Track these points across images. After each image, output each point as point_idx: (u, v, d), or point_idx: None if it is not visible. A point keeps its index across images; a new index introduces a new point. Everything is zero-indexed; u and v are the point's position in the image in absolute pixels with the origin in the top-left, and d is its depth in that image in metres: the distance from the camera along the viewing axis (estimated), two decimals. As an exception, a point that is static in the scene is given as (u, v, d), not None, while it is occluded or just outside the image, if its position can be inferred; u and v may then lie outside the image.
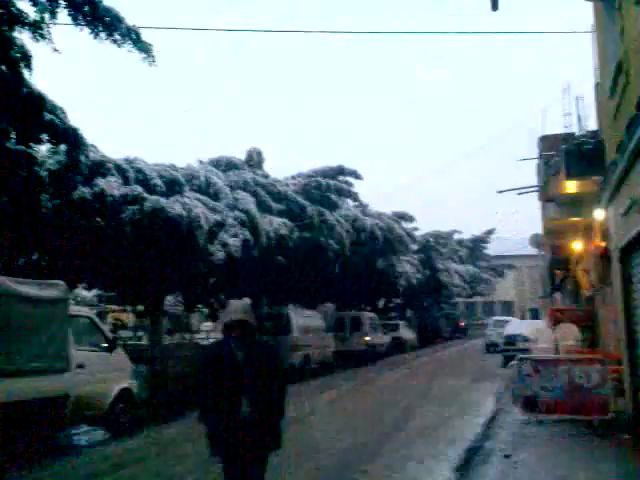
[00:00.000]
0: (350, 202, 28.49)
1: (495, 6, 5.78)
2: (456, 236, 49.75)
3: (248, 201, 19.29)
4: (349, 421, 11.26)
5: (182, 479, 7.23)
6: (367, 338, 26.02)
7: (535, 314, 51.66)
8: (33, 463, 8.26)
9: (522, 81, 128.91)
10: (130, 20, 10.76)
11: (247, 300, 4.83)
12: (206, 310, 36.68)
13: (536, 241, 28.40)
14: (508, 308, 60.74)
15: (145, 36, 10.88)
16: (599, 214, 11.32)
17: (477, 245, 52.63)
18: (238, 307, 4.53)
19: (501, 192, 22.83)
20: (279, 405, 4.61)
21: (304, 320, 21.09)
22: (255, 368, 4.33)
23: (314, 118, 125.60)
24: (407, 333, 35.20)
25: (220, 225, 17.49)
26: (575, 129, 17.45)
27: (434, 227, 43.78)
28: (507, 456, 7.95)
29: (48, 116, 11.20)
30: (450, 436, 9.35)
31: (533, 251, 36.91)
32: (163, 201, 15.26)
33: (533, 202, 25.16)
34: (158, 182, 16.21)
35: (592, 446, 8.44)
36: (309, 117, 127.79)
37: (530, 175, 25.20)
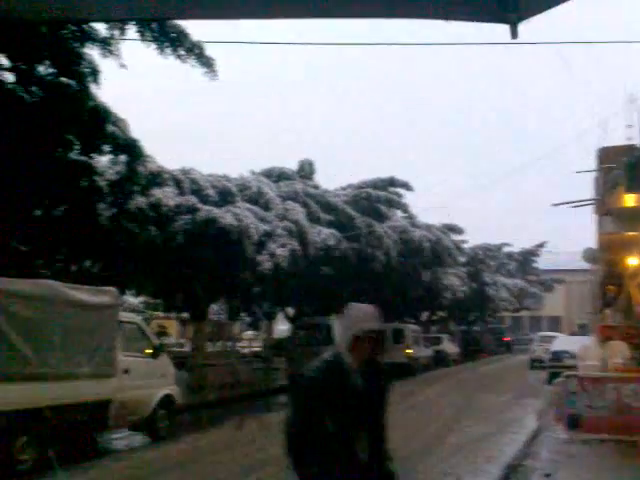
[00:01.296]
0: (399, 213, 28.54)
1: (514, 34, 5.79)
2: (506, 249, 49.08)
3: (298, 211, 19.59)
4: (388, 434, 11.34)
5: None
6: (409, 351, 25.93)
7: (584, 330, 50.42)
8: (76, 465, 8.47)
9: (581, 92, 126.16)
10: (195, 34, 11.17)
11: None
12: (248, 319, 37.28)
13: (589, 255, 27.76)
14: (556, 323, 59.36)
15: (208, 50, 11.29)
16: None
17: (527, 258, 51.73)
18: (369, 312, 3.13)
19: (556, 205, 22.47)
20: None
21: (349, 330, 21.17)
22: (377, 398, 3.18)
23: (364, 129, 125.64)
24: (450, 347, 34.84)
25: (269, 235, 17.84)
26: (637, 141, 17.07)
27: (484, 240, 43.40)
28: (547, 475, 7.90)
29: (111, 128, 11.71)
30: (490, 453, 9.34)
31: (584, 266, 36.07)
32: (215, 211, 15.70)
33: (586, 216, 24.62)
34: (211, 192, 16.70)
35: (637, 468, 8.33)
36: (360, 128, 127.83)
37: (584, 189, 24.70)
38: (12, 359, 7.88)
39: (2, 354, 7.77)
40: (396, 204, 27.38)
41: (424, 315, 38.77)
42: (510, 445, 10.06)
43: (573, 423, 10.11)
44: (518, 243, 51.96)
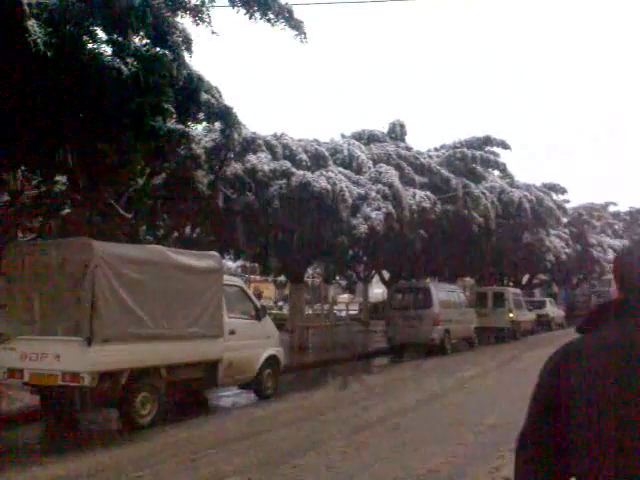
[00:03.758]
0: (497, 173, 27.47)
1: None
2: (611, 208, 46.54)
3: (391, 174, 19.22)
4: (493, 399, 11.04)
5: (327, 444, 7.47)
6: (511, 315, 25.20)
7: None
8: (189, 421, 8.94)
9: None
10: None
11: None
12: (344, 282, 37.47)
13: None
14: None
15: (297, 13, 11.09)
16: None
17: (636, 218, 48.84)
18: None
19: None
20: None
21: (445, 294, 20.83)
22: None
23: (460, 86, 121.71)
24: (554, 310, 33.65)
25: (363, 199, 17.65)
26: None
27: (589, 200, 41.30)
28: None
29: (205, 96, 11.83)
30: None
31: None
32: (309, 175, 15.66)
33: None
34: (304, 157, 16.65)
35: None
36: (456, 86, 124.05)
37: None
38: (129, 321, 8.32)
39: (120, 316, 8.21)
40: (493, 164, 26.26)
41: (525, 278, 37.51)
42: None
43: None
44: (627, 202, 49.20)
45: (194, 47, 11.22)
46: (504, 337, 24.61)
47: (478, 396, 11.45)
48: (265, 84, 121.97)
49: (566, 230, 35.52)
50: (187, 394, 10.14)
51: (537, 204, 27.56)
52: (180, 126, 12.22)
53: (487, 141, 25.98)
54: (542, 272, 37.92)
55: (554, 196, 32.35)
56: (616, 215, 47.27)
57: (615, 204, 47.08)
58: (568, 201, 35.93)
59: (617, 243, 42.79)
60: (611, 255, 41.02)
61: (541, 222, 28.89)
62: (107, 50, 11.03)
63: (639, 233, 48.51)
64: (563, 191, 33.67)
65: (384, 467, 6.53)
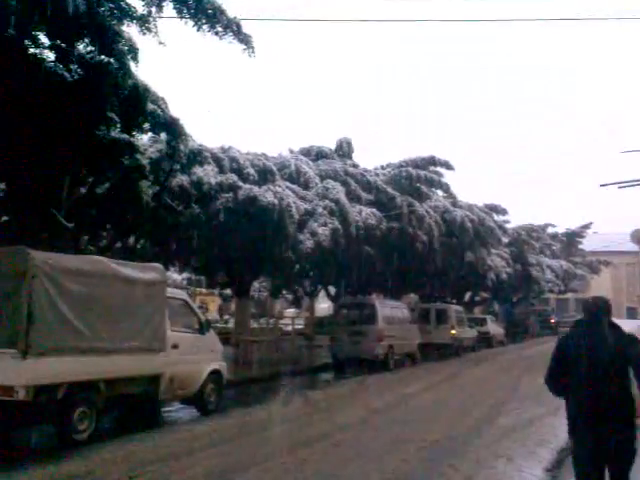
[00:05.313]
0: (440, 193, 28.03)
1: None
2: (550, 230, 48.09)
3: (338, 190, 19.39)
4: (435, 414, 11.17)
5: (269, 461, 7.38)
6: (453, 331, 25.62)
7: (632, 314, 49.13)
8: (128, 436, 8.70)
9: (632, 72, 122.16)
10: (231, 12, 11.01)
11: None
12: (290, 297, 37.40)
13: (638, 237, 26.95)
14: (603, 306, 57.93)
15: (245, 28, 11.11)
16: None
17: (572, 240, 50.61)
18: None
19: (604, 186, 21.75)
20: None
21: (390, 310, 21.02)
22: None
23: (406, 108, 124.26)
24: (494, 328, 34.39)
25: (310, 214, 17.72)
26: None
27: (529, 221, 42.58)
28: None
29: (151, 106, 11.70)
30: (541, 435, 9.06)
31: (632, 247, 35.09)
32: (256, 190, 15.63)
33: (637, 197, 23.82)
34: (251, 171, 16.62)
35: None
36: (401, 108, 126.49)
37: (633, 169, 23.90)
38: (67, 333, 8.07)
39: (58, 328, 7.95)
40: (437, 184, 26.80)
41: (467, 296, 38.29)
42: (561, 428, 9.69)
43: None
44: (564, 224, 50.96)
45: (141, 57, 11.10)
46: (446, 353, 24.98)
47: (421, 412, 11.55)
48: (216, 97, 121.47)
49: (506, 250, 36.51)
50: (127, 409, 9.87)
51: (479, 224, 28.25)
52: (125, 136, 12.04)
53: (432, 161, 26.51)
54: (483, 290, 38.79)
55: (495, 216, 33.23)
56: (554, 236, 48.83)
57: (553, 226, 48.69)
58: (508, 222, 36.99)
59: (555, 263, 44.24)
60: (549, 275, 42.38)
61: (482, 241, 29.60)
62: (50, 56, 10.82)
63: (575, 254, 50.31)
64: (504, 212, 34.66)
65: (326, 483, 6.49)
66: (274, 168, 17.98)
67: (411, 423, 10.20)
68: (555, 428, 9.70)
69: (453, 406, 12.25)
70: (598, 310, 4.63)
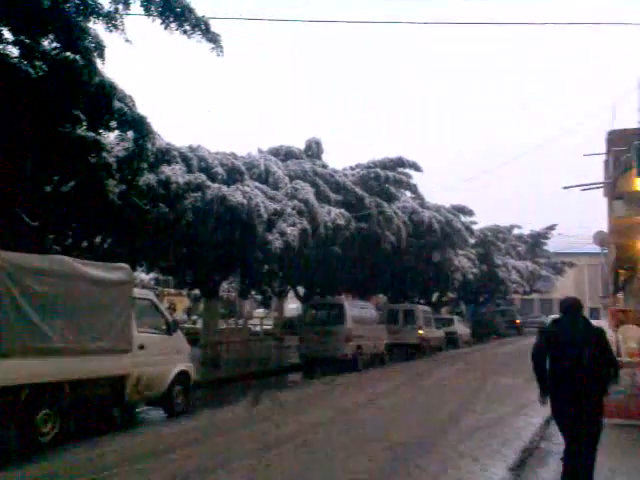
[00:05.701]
0: (408, 194, 28.25)
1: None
2: (515, 231, 48.82)
3: (307, 191, 19.39)
4: (402, 414, 11.26)
5: (236, 462, 7.35)
6: (421, 332, 25.84)
7: (595, 314, 50.15)
8: (94, 439, 8.59)
9: (595, 73, 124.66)
10: (200, 11, 10.94)
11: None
12: (259, 297, 37.25)
13: (600, 239, 27.47)
14: (567, 307, 59.06)
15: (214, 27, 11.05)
16: (671, 213, 10.92)
17: (537, 241, 51.47)
18: None
19: (566, 188, 22.12)
20: None
21: (358, 311, 21.12)
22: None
23: (374, 109, 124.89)
24: (461, 328, 34.77)
25: (279, 214, 17.67)
26: (648, 125, 16.77)
27: (494, 222, 43.15)
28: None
29: (117, 104, 11.54)
30: (505, 435, 9.22)
31: (596, 249, 35.79)
32: (224, 189, 15.53)
33: (599, 199, 24.36)
34: (219, 170, 16.51)
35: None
36: (369, 108, 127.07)
37: (597, 171, 24.46)
38: (31, 334, 7.93)
39: (22, 329, 7.82)
40: (405, 185, 26.99)
41: (434, 296, 38.66)
42: (525, 428, 9.93)
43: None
44: (528, 226, 51.73)
45: (109, 54, 10.96)
46: (414, 353, 25.19)
47: (388, 412, 11.63)
48: (185, 96, 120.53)
49: (473, 251, 36.97)
50: (92, 411, 9.74)
51: (446, 225, 28.57)
52: (91, 134, 11.86)
53: (400, 162, 26.67)
54: (451, 291, 39.21)
55: (462, 218, 33.60)
56: (519, 238, 49.59)
57: (519, 227, 49.41)
58: (475, 222, 37.38)
59: (520, 264, 44.94)
60: (515, 276, 43.02)
61: (450, 242, 29.94)
62: (14, 52, 10.61)
63: (540, 255, 51.16)
64: (471, 213, 35.01)
65: (293, 484, 6.50)
66: (243, 168, 17.89)
67: (378, 423, 10.27)
68: (519, 428, 9.90)
69: (420, 406, 12.37)
70: (573, 307, 5.82)
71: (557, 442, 8.82)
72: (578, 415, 5.49)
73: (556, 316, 5.89)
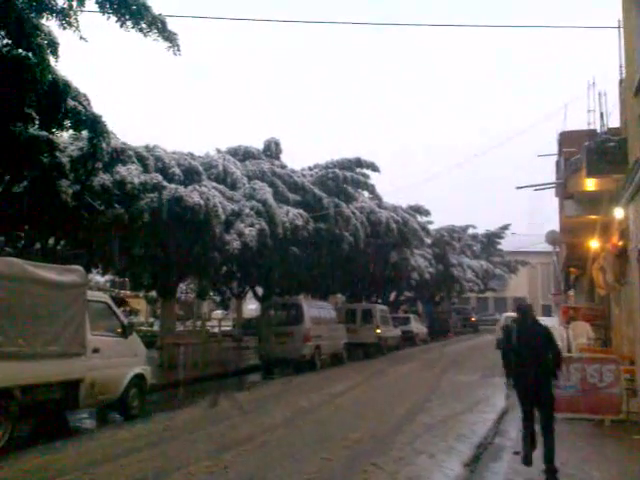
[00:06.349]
0: (366, 194, 28.46)
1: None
2: (470, 231, 49.62)
3: (265, 191, 19.37)
4: (360, 413, 11.35)
5: (194, 465, 7.31)
6: (378, 331, 26.07)
7: (548, 311, 51.41)
8: (47, 444, 8.43)
9: (547, 76, 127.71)
10: (156, 9, 10.84)
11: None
12: (217, 298, 36.99)
13: (552, 238, 28.20)
14: (520, 304, 60.37)
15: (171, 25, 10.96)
16: (619, 213, 11.28)
17: (491, 240, 52.44)
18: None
19: (520, 188, 22.67)
20: None
21: (316, 311, 21.18)
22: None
23: (330, 109, 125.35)
24: (418, 327, 35.24)
25: (237, 215, 17.61)
26: (597, 126, 17.33)
27: (449, 222, 43.78)
28: (517, 453, 7.98)
29: (71, 102, 11.34)
30: (460, 431, 9.40)
31: (548, 248, 36.71)
32: (182, 190, 15.40)
33: (551, 199, 25.01)
34: (177, 170, 16.37)
35: (603, 446, 8.48)
36: (326, 108, 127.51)
37: (549, 172, 25.12)
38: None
39: None
40: (363, 185, 27.15)
41: (392, 295, 39.01)
42: (480, 424, 10.14)
43: (540, 403, 10.29)
44: (483, 226, 52.64)
45: (63, 52, 10.76)
46: (372, 352, 25.40)
47: (345, 411, 11.72)
48: (143, 95, 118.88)
49: (429, 250, 37.46)
50: (46, 416, 9.54)
51: (403, 225, 28.88)
52: (44, 133, 11.62)
53: (358, 163, 26.84)
54: (408, 290, 39.65)
55: (419, 217, 34.02)
56: (474, 237, 50.43)
57: (474, 227, 50.23)
58: (431, 222, 37.87)
59: (475, 263, 45.73)
60: (470, 274, 43.75)
61: (406, 242, 30.26)
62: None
63: (494, 254, 52.13)
64: (427, 213, 35.43)
65: (251, 485, 6.50)
66: (200, 168, 17.78)
67: (336, 422, 10.35)
68: (473, 424, 10.10)
69: (377, 404, 12.50)
70: (525, 310, 7.50)
71: (510, 437, 9.09)
72: (535, 389, 7.06)
73: (510, 314, 6.75)
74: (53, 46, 10.56)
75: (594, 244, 16.44)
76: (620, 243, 12.49)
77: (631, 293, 10.66)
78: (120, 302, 27.00)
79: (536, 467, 6.93)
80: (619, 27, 11.80)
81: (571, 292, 29.09)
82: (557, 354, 7.18)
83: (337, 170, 25.25)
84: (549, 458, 6.82)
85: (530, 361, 7.01)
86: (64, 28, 10.32)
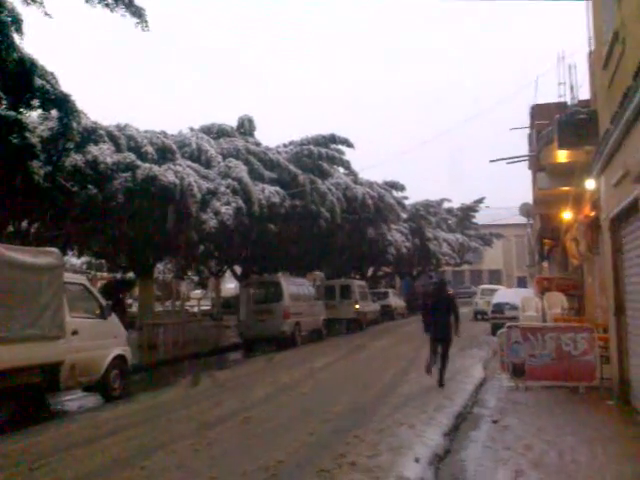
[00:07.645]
0: (341, 170, 28.42)
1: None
2: (445, 205, 49.85)
3: (240, 169, 19.25)
4: (341, 387, 11.47)
5: (177, 443, 7.34)
6: (357, 306, 26.27)
7: (523, 283, 52.19)
8: (28, 427, 8.39)
9: (519, 48, 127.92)
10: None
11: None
12: (195, 277, 36.82)
13: (526, 210, 28.54)
14: (496, 277, 61.33)
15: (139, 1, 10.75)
16: (590, 184, 11.43)
17: (466, 214, 52.78)
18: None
19: (493, 161, 22.80)
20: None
21: (295, 288, 21.24)
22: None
23: (304, 84, 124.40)
24: (396, 301, 35.56)
25: (212, 193, 17.50)
26: (568, 99, 17.50)
27: (425, 196, 43.93)
28: (495, 421, 8.15)
29: (39, 81, 11.11)
30: (440, 402, 9.54)
31: (522, 220, 37.15)
32: (156, 169, 15.23)
33: (524, 172, 25.23)
34: (150, 149, 16.16)
35: (578, 412, 8.69)
36: (300, 83, 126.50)
37: (522, 144, 25.31)
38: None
39: None
40: (338, 161, 27.13)
41: (370, 271, 39.20)
42: (459, 394, 10.30)
43: (517, 372, 10.53)
44: (457, 199, 52.94)
45: (27, 29, 10.49)
46: (351, 327, 25.59)
47: (326, 385, 11.84)
48: (115, 73, 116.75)
49: (406, 225, 37.63)
50: (27, 399, 9.47)
51: (379, 200, 28.94)
52: (12, 113, 11.36)
53: (332, 139, 26.75)
54: (385, 265, 39.87)
55: (394, 193, 34.08)
56: (450, 211, 50.71)
57: (449, 201, 50.46)
58: (407, 198, 37.97)
59: (451, 237, 46.05)
60: (446, 248, 44.09)
61: (383, 217, 30.37)
62: None
63: (469, 227, 52.55)
64: (402, 188, 35.50)
65: (234, 461, 6.55)
66: (174, 146, 17.58)
67: (317, 397, 10.44)
68: (452, 394, 10.26)
69: (357, 378, 12.63)
70: (442, 284, 11.99)
71: (489, 407, 9.26)
72: (441, 337, 11.07)
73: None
74: (17, 23, 10.30)
75: (567, 215, 16.68)
76: (592, 214, 12.68)
77: (603, 263, 10.85)
78: (128, 284, 26.68)
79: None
80: (587, -1, 11.83)
81: (545, 263, 29.53)
82: (457, 316, 11.15)
83: (312, 147, 25.17)
84: (442, 374, 10.97)
85: (439, 317, 10.97)
86: (27, 4, 10.06)
